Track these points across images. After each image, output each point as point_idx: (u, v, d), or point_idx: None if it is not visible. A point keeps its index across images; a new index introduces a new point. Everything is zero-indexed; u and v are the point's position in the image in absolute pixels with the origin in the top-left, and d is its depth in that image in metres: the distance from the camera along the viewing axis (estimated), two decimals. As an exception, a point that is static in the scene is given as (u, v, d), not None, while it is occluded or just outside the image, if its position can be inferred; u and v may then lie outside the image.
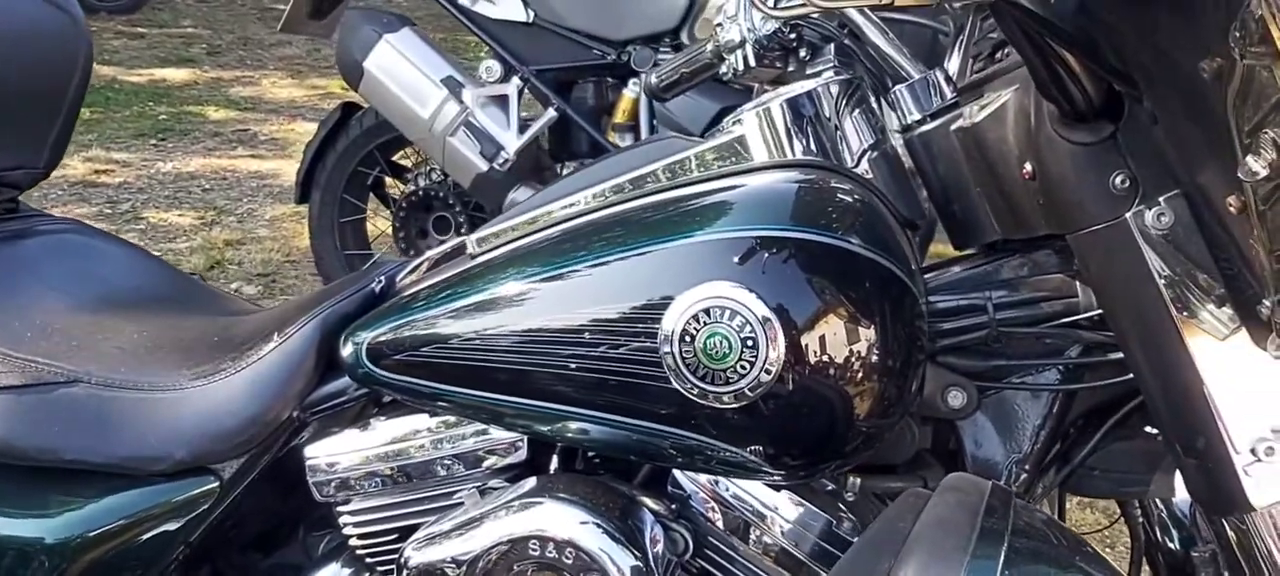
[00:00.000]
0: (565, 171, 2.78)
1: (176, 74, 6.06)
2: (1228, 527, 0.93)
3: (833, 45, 1.25)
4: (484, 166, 2.57)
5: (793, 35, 1.28)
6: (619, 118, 2.64)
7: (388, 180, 3.07)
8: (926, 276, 1.01)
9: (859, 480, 1.01)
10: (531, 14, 2.64)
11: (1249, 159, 0.63)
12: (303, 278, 3.48)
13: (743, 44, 1.26)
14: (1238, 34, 0.60)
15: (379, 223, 3.17)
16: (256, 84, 5.99)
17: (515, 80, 2.60)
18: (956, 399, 1.00)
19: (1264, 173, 0.62)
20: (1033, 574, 0.74)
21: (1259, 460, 0.84)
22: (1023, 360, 1.00)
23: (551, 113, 2.64)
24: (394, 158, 3.04)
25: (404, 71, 2.61)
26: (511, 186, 2.56)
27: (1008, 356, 1.00)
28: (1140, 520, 1.12)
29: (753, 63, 1.27)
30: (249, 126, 5.18)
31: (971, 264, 1.02)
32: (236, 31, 7.19)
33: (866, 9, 1.16)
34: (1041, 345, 0.99)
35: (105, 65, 5.94)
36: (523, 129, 2.58)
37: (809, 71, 1.26)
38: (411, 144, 2.86)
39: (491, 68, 2.62)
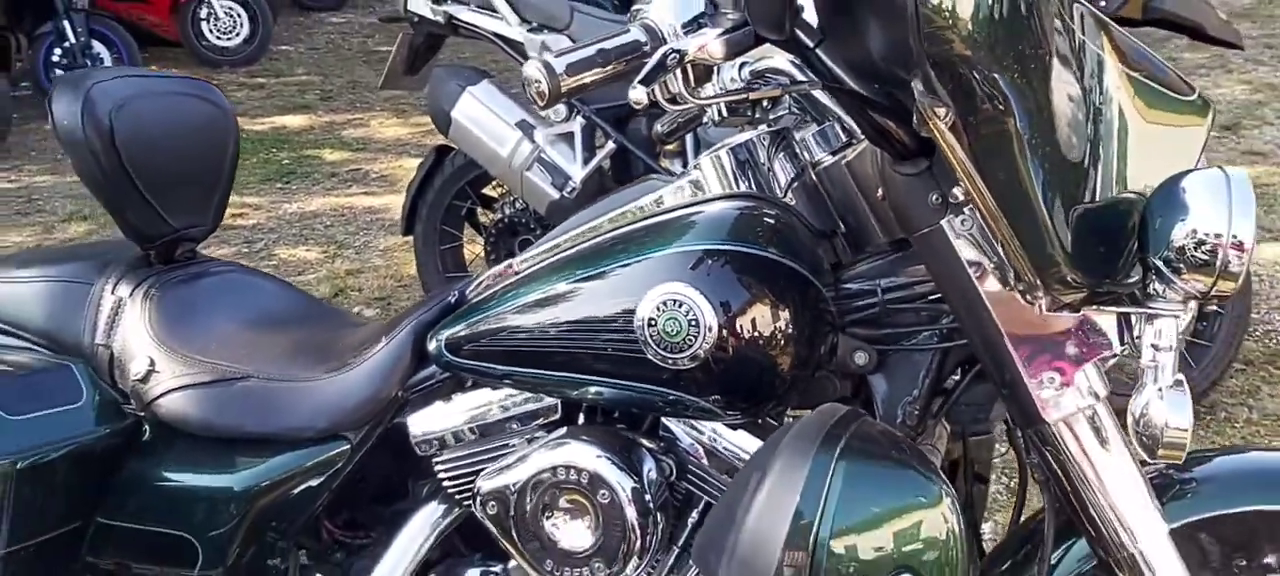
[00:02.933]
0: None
1: (295, 120, 6.69)
2: (1039, 442, 1.28)
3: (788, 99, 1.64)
4: (556, 195, 3.02)
5: (757, 91, 1.67)
6: (669, 145, 3.05)
7: (479, 210, 3.54)
8: (846, 270, 1.40)
9: (793, 419, 1.40)
10: (590, 62, 3.07)
11: (955, 188, 1.01)
12: (413, 299, 3.98)
13: (718, 98, 1.67)
14: (916, 118, 0.99)
15: (473, 248, 3.64)
16: (366, 126, 6.56)
17: (578, 119, 3.04)
18: (862, 358, 1.38)
19: (961, 199, 1.00)
20: (861, 464, 1.13)
21: (1046, 386, 1.22)
22: (908, 328, 1.37)
23: (611, 145, 3.07)
24: (483, 190, 3.51)
25: (485, 117, 3.07)
26: (580, 210, 2.99)
27: (897, 326, 1.38)
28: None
29: (727, 114, 1.67)
30: (361, 166, 5.74)
31: (872, 259, 1.40)
32: (345, 76, 7.81)
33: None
34: (921, 316, 1.37)
35: (232, 117, 6.58)
36: (587, 161, 3.02)
37: (771, 117, 1.66)
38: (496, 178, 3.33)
39: (558, 110, 3.06)
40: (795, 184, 1.44)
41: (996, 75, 1.01)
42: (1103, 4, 2.61)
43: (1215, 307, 2.81)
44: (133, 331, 1.61)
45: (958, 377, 1.42)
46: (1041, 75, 1.07)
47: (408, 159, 5.66)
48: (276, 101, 7.14)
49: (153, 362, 1.57)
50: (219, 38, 8.05)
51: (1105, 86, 1.15)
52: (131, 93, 1.69)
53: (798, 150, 1.47)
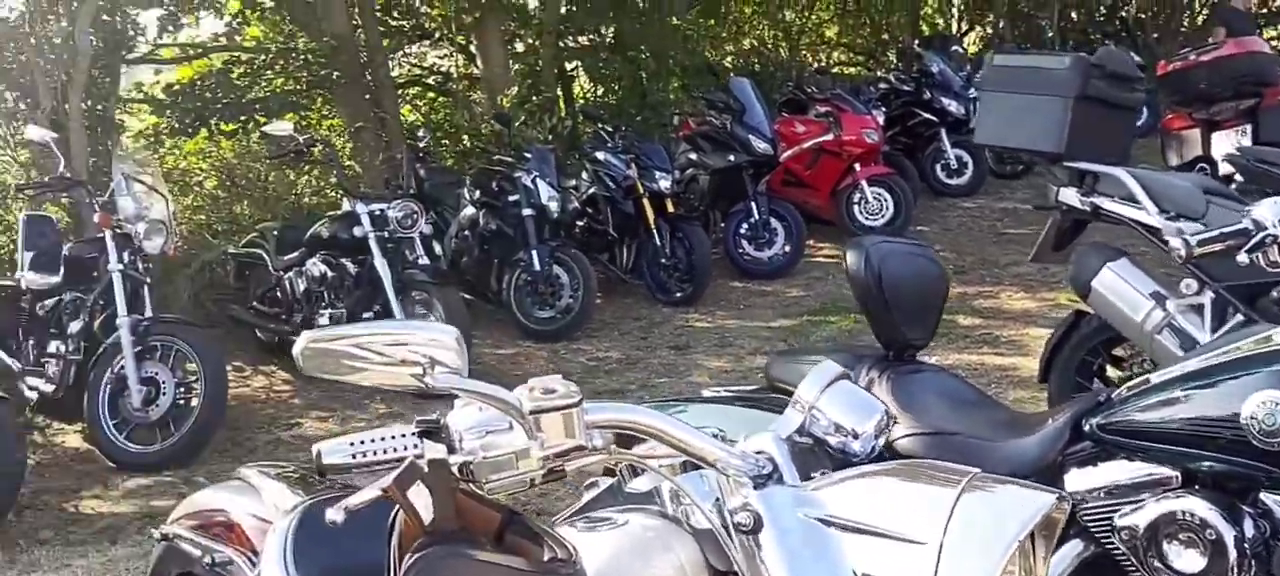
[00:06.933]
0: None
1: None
2: None
3: None
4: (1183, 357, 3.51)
5: None
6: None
7: (1108, 367, 4.10)
8: None
9: None
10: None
11: None
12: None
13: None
14: None
15: (1101, 400, 4.18)
16: (996, 298, 7.30)
17: (1208, 293, 3.52)
18: None
19: None
20: None
21: None
22: None
23: (1239, 317, 3.50)
24: (1114, 351, 4.08)
25: (1121, 288, 3.68)
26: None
27: None
28: None
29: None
30: (992, 331, 6.47)
31: None
32: (977, 253, 8.61)
33: None
34: None
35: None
36: (1215, 330, 3.48)
37: None
38: (1126, 340, 3.89)
39: (1190, 284, 3.57)
40: None
41: None
42: None
43: None
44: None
45: None
46: None
47: (1035, 328, 6.29)
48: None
49: (891, 417, 2.43)
50: (867, 218, 9.30)
51: None
52: (889, 250, 2.63)
53: None
